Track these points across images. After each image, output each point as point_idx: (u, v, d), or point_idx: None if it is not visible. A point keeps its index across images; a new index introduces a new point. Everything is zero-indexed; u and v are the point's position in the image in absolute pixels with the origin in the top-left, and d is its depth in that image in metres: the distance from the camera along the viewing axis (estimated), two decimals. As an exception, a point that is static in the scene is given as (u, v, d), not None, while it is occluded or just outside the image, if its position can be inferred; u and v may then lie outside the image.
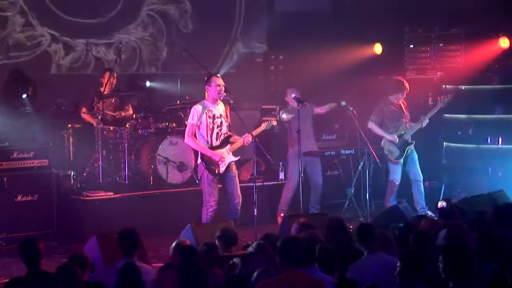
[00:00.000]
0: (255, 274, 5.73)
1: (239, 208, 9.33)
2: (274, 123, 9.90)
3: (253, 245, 6.34)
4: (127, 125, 11.21)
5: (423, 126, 11.00)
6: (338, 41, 13.04)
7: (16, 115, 11.07)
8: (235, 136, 9.47)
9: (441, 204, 8.25)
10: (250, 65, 14.00)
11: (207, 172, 9.31)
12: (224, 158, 9.32)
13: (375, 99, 11.44)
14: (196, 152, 9.84)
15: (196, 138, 9.37)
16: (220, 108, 9.41)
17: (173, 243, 6.66)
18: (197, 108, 9.33)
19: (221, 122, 9.38)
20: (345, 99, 10.65)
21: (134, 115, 11.49)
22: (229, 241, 7.01)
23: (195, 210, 9.59)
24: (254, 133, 9.39)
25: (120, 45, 11.91)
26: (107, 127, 11.12)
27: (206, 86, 9.40)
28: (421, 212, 10.55)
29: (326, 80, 12.92)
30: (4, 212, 9.95)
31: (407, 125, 11.02)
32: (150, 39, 13.15)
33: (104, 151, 10.97)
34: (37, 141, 10.64)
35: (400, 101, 11.12)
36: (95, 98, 11.00)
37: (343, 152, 11.62)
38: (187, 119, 9.78)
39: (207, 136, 9.34)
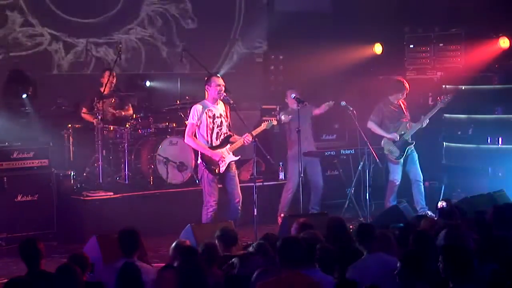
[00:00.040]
0: (255, 274, 5.73)
1: (239, 207, 9.34)
2: (274, 122, 9.90)
3: (253, 245, 6.34)
4: (127, 125, 11.21)
5: (423, 126, 11.00)
6: (338, 41, 13.03)
7: (16, 115, 11.07)
8: (235, 136, 9.48)
9: (441, 204, 8.25)
10: (250, 65, 14.00)
11: (207, 172, 9.32)
12: (224, 157, 9.33)
13: (375, 99, 11.44)
14: (196, 152, 9.84)
15: (196, 138, 9.37)
16: (220, 108, 9.41)
17: (173, 243, 6.66)
18: (197, 107, 9.33)
19: (221, 122, 9.38)
20: (345, 99, 10.64)
21: (134, 115, 11.49)
22: (229, 241, 7.00)
23: (195, 210, 9.59)
24: (254, 132, 9.40)
25: (120, 45, 11.91)
26: (107, 126, 11.12)
27: (206, 86, 9.40)
28: (421, 212, 10.55)
29: (326, 80, 12.92)
30: (4, 212, 9.96)
31: (407, 125, 11.02)
32: (150, 39, 13.15)
33: (104, 151, 10.97)
34: (37, 141, 10.63)
35: (400, 101, 11.12)
36: (95, 98, 11.00)
37: (343, 152, 11.63)
38: (187, 119, 9.78)
39: (207, 135, 9.34)
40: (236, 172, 9.53)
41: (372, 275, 5.95)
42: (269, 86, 14.00)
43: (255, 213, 9.16)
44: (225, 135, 9.42)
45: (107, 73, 11.41)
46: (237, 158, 9.50)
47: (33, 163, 10.23)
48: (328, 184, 11.48)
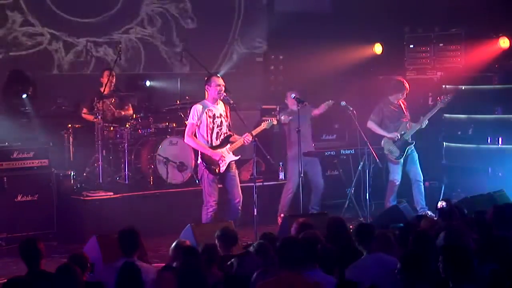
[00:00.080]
0: (254, 274, 5.73)
1: (239, 207, 9.34)
2: (274, 122, 9.91)
3: (254, 245, 6.34)
4: (127, 125, 11.21)
5: (423, 127, 11.00)
6: (338, 41, 13.03)
7: (16, 115, 11.07)
8: (235, 136, 9.48)
9: (441, 204, 8.24)
10: (250, 65, 14.00)
11: (207, 172, 9.32)
12: (224, 157, 9.33)
13: (375, 99, 11.44)
14: (196, 152, 9.84)
15: (196, 138, 9.37)
16: (220, 108, 9.42)
17: (173, 243, 6.66)
18: (197, 107, 9.33)
19: (221, 122, 9.38)
20: (345, 99, 10.64)
21: (134, 115, 11.49)
22: (229, 241, 7.00)
23: (195, 210, 9.59)
24: (254, 132, 9.40)
25: (120, 45, 11.91)
26: (107, 125, 11.11)
27: (206, 86, 9.41)
28: (421, 212, 10.55)
29: (326, 80, 12.92)
30: (4, 212, 9.96)
31: (407, 125, 11.02)
32: (150, 38, 13.15)
33: (104, 151, 10.97)
34: (37, 141, 10.64)
35: (400, 101, 11.12)
36: (95, 98, 11.00)
37: (343, 152, 11.63)
38: (187, 119, 9.78)
39: (207, 135, 9.34)
40: (236, 172, 9.53)
41: (371, 275, 5.95)
42: (269, 86, 14.00)
43: (255, 213, 9.16)
44: (225, 135, 9.42)
45: (107, 73, 11.41)
46: (237, 157, 9.50)
47: (33, 163, 10.23)
48: (328, 184, 11.47)
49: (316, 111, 11.08)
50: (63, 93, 11.76)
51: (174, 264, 6.28)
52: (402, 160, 11.04)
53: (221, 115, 9.39)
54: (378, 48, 13.59)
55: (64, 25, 12.29)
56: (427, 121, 10.98)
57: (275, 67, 14.03)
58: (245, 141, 9.38)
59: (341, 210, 11.02)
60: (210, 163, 9.30)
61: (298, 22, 13.57)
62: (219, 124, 9.37)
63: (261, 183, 10.69)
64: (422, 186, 11.11)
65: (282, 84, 13.46)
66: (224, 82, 9.47)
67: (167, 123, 11.64)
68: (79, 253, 6.44)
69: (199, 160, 9.43)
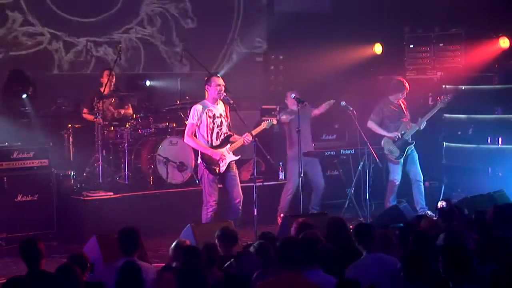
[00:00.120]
0: (254, 274, 5.73)
1: (240, 207, 9.34)
2: (274, 122, 9.91)
3: (254, 245, 6.34)
4: (127, 125, 11.21)
5: (421, 128, 10.99)
6: (338, 41, 13.04)
7: (16, 115, 11.07)
8: (235, 136, 9.48)
9: (441, 204, 8.24)
10: (250, 65, 14.00)
11: (207, 172, 9.32)
12: (224, 157, 9.33)
13: (375, 99, 11.44)
14: (196, 152, 9.84)
15: (196, 138, 9.37)
16: (220, 108, 9.41)
17: (173, 243, 6.66)
18: (197, 107, 9.33)
19: (221, 122, 9.38)
20: (345, 99, 10.64)
21: (134, 115, 11.49)
22: (229, 241, 6.99)
23: (195, 210, 9.58)
24: (254, 132, 9.40)
25: (120, 45, 11.91)
26: (107, 125, 11.11)
27: (206, 86, 9.41)
28: (421, 212, 10.55)
29: (326, 80, 12.93)
30: (4, 212, 9.95)
31: (407, 125, 11.02)
32: (150, 38, 13.15)
33: (104, 151, 10.97)
34: (37, 141, 10.63)
35: (400, 101, 11.12)
36: (95, 98, 11.00)
37: (343, 152, 11.64)
38: (187, 119, 9.78)
39: (207, 135, 9.34)
40: (236, 172, 9.52)
41: (371, 275, 5.94)
42: (269, 86, 14.01)
43: (255, 213, 9.16)
44: (225, 135, 9.42)
45: (106, 73, 11.41)
46: (237, 157, 9.50)
47: (33, 163, 10.23)
48: (328, 184, 11.46)
49: (317, 111, 11.08)
50: (63, 93, 11.77)
51: (174, 264, 6.28)
52: (402, 160, 11.04)
53: (221, 115, 9.39)
54: (378, 48, 13.59)
55: (64, 25, 12.31)
56: (425, 122, 10.98)
57: (275, 67, 14.03)
58: (245, 141, 9.38)
59: (341, 210, 11.02)
60: (210, 163, 9.30)
61: (298, 22, 13.58)
62: (219, 124, 9.37)
63: (261, 183, 10.69)
64: (422, 186, 11.11)
65: (282, 84, 13.47)
66: (224, 82, 9.47)
67: (167, 123, 11.64)
68: (79, 253, 6.44)
69: (199, 160, 9.43)
